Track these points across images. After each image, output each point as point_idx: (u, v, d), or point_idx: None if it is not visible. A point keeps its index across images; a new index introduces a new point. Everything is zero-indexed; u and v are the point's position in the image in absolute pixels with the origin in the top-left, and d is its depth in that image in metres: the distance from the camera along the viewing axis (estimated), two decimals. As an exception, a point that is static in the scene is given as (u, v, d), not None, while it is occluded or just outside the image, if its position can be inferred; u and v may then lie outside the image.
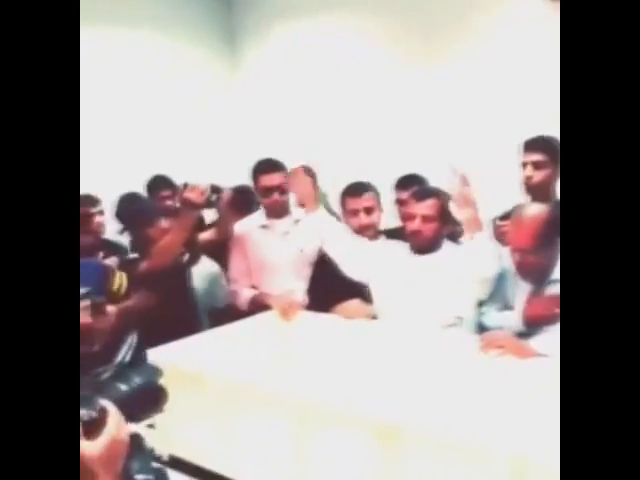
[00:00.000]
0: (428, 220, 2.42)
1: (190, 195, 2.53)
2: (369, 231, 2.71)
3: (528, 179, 2.69)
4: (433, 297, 2.41)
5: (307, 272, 2.87)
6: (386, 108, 4.53)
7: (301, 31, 4.93)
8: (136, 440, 1.03)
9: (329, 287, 2.62)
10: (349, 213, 2.74)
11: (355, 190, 2.75)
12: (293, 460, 1.81)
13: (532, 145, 2.72)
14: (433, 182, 3.00)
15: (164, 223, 2.72)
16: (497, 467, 1.46)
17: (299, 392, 1.83)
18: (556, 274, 2.18)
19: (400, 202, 3.07)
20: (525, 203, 2.34)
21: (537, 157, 2.67)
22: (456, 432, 1.54)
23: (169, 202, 3.57)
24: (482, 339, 2.04)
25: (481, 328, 2.40)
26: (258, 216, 3.03)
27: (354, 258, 2.55)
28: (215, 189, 2.66)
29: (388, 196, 3.23)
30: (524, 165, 2.71)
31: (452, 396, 1.77)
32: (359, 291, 2.57)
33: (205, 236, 3.08)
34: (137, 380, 1.15)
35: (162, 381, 1.21)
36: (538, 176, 2.66)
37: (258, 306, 2.76)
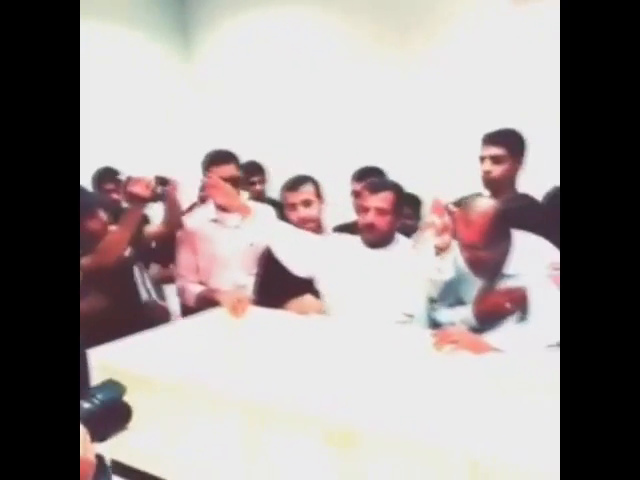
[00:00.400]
0: (382, 213, 2.37)
1: (135, 188, 2.42)
2: (309, 224, 2.64)
3: (486, 174, 2.65)
4: (384, 293, 2.37)
5: (257, 267, 2.78)
6: (342, 99, 4.48)
7: (254, 23, 4.86)
8: (100, 461, 0.99)
9: (280, 282, 2.54)
10: (288, 207, 2.68)
11: (292, 184, 2.69)
12: (243, 464, 1.73)
13: (491, 139, 2.68)
14: (393, 176, 2.97)
15: (103, 215, 2.59)
16: (454, 470, 1.40)
17: (249, 393, 1.75)
18: (508, 269, 2.15)
19: (355, 194, 3.01)
20: (473, 197, 2.29)
21: (496, 151, 2.64)
22: (411, 434, 1.48)
23: (115, 195, 3.44)
24: (435, 335, 1.99)
25: (434, 324, 2.36)
26: (207, 210, 2.93)
27: (299, 254, 2.47)
28: (161, 181, 2.55)
29: (347, 189, 3.19)
30: (482, 159, 2.68)
31: (406, 396, 1.71)
32: (310, 286, 2.50)
33: (152, 230, 2.97)
34: (100, 397, 1.10)
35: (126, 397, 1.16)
36: (497, 170, 2.63)
37: (206, 302, 2.67)
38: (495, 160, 2.63)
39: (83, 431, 0.90)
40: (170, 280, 3.13)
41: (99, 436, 1.00)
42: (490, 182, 2.66)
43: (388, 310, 2.35)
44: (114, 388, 1.15)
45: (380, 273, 2.38)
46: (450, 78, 4.00)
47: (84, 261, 2.39)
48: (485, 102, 3.84)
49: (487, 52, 3.85)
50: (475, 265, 2.16)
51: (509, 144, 2.63)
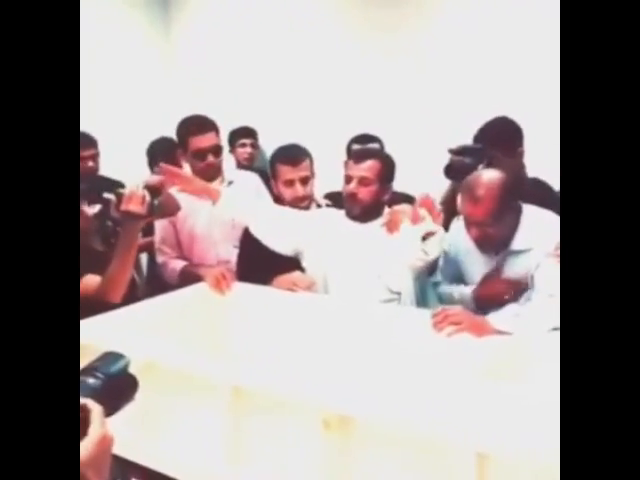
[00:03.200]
0: (365, 183, 2.24)
1: (130, 207, 2.08)
2: (304, 202, 2.49)
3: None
4: (370, 270, 2.25)
5: (241, 241, 2.63)
6: (325, 70, 4.36)
7: None
8: None
9: (266, 257, 2.40)
10: (284, 183, 2.47)
11: (291, 158, 2.47)
12: (230, 450, 1.60)
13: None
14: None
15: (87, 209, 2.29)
16: (453, 457, 1.29)
17: (235, 373, 1.62)
18: (516, 244, 2.04)
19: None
20: (478, 171, 2.16)
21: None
22: (408, 419, 1.37)
23: (90, 163, 3.26)
24: (435, 315, 1.87)
25: (423, 303, 2.25)
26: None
27: (280, 233, 2.34)
28: (152, 190, 2.25)
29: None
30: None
31: (403, 379, 1.60)
32: (297, 262, 2.37)
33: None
34: (105, 372, 1.05)
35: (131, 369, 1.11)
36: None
37: (189, 279, 2.52)
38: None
39: (98, 408, 0.90)
40: (150, 249, 2.98)
41: (109, 410, 0.97)
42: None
43: (376, 286, 2.24)
44: (117, 360, 1.10)
45: (366, 248, 2.27)
46: (445, 56, 3.90)
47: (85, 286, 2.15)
48: (479, 86, 3.74)
49: (483, 34, 3.75)
50: (482, 242, 2.06)
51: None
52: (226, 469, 1.58)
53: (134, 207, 2.08)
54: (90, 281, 2.08)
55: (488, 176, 2.02)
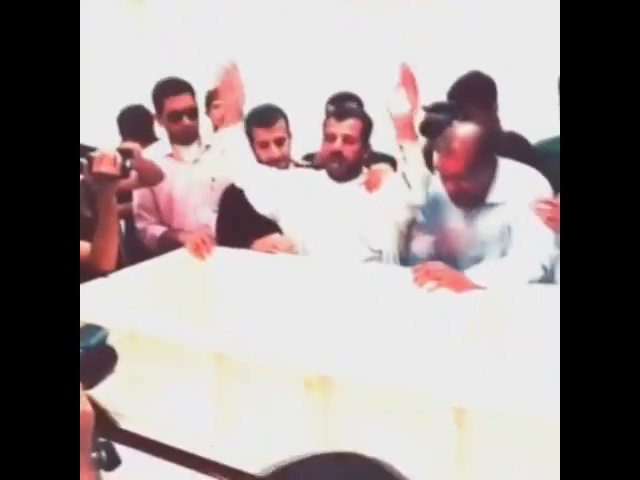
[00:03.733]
0: (349, 141, 2.23)
1: (102, 168, 2.04)
2: (280, 163, 2.47)
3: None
4: (351, 228, 2.26)
5: (220, 205, 2.62)
6: (301, 29, 4.30)
7: None
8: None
9: (245, 220, 2.39)
10: (259, 145, 2.45)
11: (265, 119, 2.46)
12: (216, 415, 1.62)
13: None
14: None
15: None
16: (436, 416, 1.32)
17: (215, 341, 1.63)
18: (491, 197, 2.04)
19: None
20: (453, 126, 2.15)
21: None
22: (391, 378, 1.38)
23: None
24: (415, 270, 1.88)
25: (404, 261, 2.26)
26: (162, 144, 2.74)
27: (264, 191, 2.32)
28: (124, 152, 2.22)
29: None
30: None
31: (385, 336, 1.62)
32: (276, 224, 2.37)
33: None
34: (83, 345, 1.04)
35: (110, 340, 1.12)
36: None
37: (168, 244, 2.51)
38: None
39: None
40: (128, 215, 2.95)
41: (89, 383, 0.98)
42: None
43: (357, 246, 2.25)
44: (96, 332, 1.10)
45: (346, 207, 2.26)
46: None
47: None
48: (454, 42, 3.71)
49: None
50: (457, 196, 2.06)
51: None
52: (212, 432, 1.60)
53: (106, 168, 2.05)
54: (81, 248, 2.07)
55: (463, 130, 2.02)
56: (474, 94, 2.48)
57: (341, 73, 3.97)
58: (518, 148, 2.41)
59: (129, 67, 4.76)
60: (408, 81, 2.04)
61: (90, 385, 1.01)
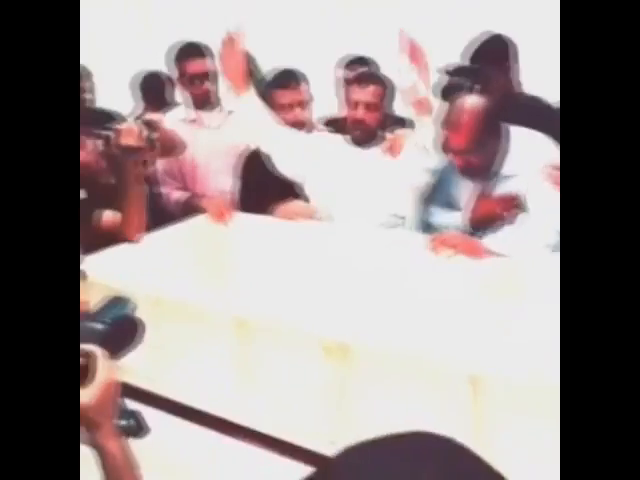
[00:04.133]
0: (372, 108, 2.22)
1: (127, 141, 2.08)
2: (305, 127, 2.47)
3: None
4: (374, 194, 2.26)
5: (242, 171, 2.63)
6: None
7: None
8: None
9: (266, 187, 2.41)
10: (282, 107, 2.44)
11: (286, 80, 2.46)
12: (237, 380, 1.66)
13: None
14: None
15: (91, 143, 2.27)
16: (454, 383, 1.34)
17: (236, 307, 1.66)
18: (503, 169, 2.03)
19: (346, 83, 2.79)
20: (460, 98, 2.11)
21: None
22: (409, 345, 1.41)
23: (89, 95, 3.23)
24: (433, 239, 1.89)
25: (426, 227, 2.26)
26: (184, 110, 2.75)
27: (288, 154, 2.32)
28: (148, 124, 2.24)
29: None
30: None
31: (404, 304, 1.64)
32: (297, 190, 2.38)
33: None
34: (111, 316, 1.05)
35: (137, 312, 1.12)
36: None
37: (190, 209, 2.54)
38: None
39: (104, 353, 0.92)
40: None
41: (116, 355, 0.99)
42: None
43: (379, 212, 2.26)
44: (123, 305, 1.10)
45: (369, 173, 2.26)
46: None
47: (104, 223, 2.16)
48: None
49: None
50: (467, 170, 2.05)
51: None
52: (233, 396, 1.65)
53: (132, 140, 2.08)
54: (109, 217, 2.12)
55: (470, 103, 2.00)
56: (494, 57, 2.44)
57: (349, 36, 3.92)
58: (538, 111, 2.38)
59: (143, 32, 4.73)
60: (414, 54, 2.02)
61: (117, 356, 1.02)
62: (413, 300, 1.73)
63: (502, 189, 2.06)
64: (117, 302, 1.10)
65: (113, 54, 4.27)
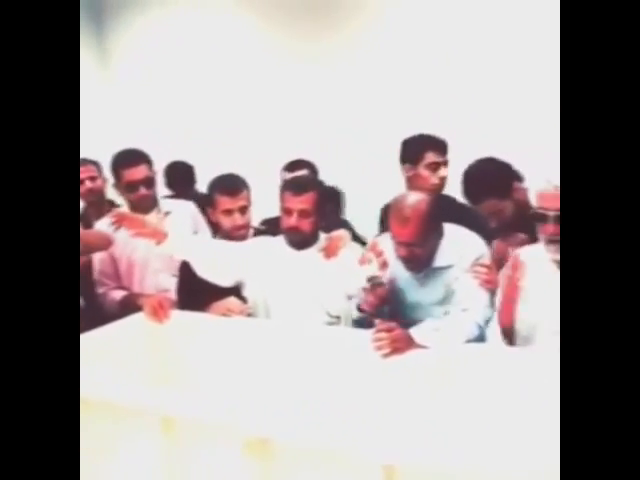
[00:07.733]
0: (305, 215, 2.29)
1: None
2: (243, 231, 2.57)
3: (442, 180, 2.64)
4: (310, 294, 2.33)
5: (179, 271, 2.68)
6: (259, 95, 4.51)
7: (167, 20, 4.82)
8: None
9: (203, 285, 2.46)
10: (222, 212, 2.55)
11: (230, 188, 2.55)
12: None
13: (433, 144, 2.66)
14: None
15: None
16: (368, 475, 1.37)
17: (169, 405, 1.67)
18: (438, 261, 2.15)
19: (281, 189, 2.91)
20: (403, 194, 2.24)
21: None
22: (330, 441, 1.44)
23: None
24: (377, 339, 1.89)
25: (358, 324, 2.31)
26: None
27: (220, 266, 2.38)
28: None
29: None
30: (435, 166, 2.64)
31: (328, 400, 1.68)
32: (234, 288, 2.44)
33: None
34: None
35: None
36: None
37: (128, 308, 2.56)
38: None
39: None
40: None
41: None
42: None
43: (315, 311, 2.32)
44: None
45: (304, 274, 2.34)
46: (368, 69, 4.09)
47: None
48: (405, 96, 3.90)
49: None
50: (410, 261, 2.15)
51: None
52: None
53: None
54: None
55: (413, 198, 2.11)
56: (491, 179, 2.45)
57: (296, 139, 4.17)
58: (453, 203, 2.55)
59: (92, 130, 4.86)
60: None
61: None
62: (337, 394, 1.77)
63: (435, 281, 2.17)
64: None
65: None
